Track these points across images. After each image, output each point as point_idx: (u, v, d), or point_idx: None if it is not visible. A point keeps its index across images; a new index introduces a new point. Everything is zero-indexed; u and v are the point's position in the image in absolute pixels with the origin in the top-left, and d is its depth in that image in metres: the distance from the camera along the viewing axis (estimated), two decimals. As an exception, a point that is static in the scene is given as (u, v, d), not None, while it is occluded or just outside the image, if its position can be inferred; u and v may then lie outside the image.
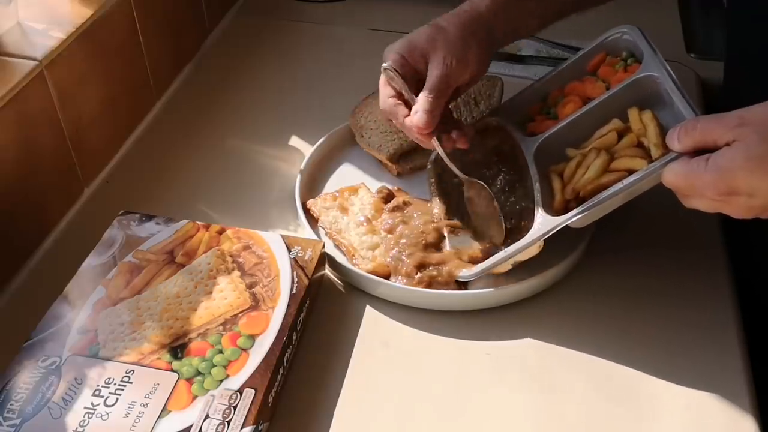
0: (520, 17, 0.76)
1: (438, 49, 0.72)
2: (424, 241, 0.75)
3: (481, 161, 0.80)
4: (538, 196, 0.71)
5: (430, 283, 0.72)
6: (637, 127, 0.68)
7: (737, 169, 0.56)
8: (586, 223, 0.69)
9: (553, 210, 0.70)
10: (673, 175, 0.61)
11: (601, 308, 0.72)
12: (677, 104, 0.66)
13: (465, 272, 0.72)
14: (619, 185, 0.65)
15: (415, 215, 0.78)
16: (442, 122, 0.73)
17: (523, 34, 0.81)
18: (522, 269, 0.72)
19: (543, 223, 0.69)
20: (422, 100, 0.71)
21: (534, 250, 0.69)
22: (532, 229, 0.69)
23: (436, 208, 0.79)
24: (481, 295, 0.71)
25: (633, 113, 0.69)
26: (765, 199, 0.57)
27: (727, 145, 0.57)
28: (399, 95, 0.74)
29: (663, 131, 0.65)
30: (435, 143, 0.73)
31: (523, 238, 0.69)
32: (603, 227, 0.76)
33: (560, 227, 0.68)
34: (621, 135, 0.69)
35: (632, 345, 0.69)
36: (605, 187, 0.66)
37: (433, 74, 0.72)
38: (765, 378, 0.68)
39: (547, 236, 0.68)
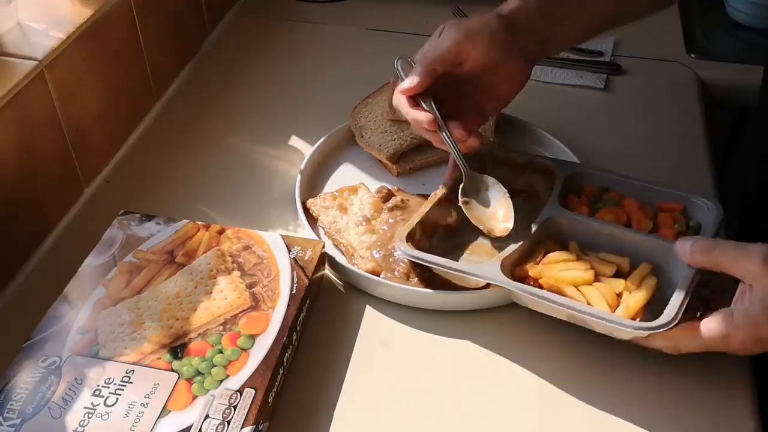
0: (558, 28, 0.75)
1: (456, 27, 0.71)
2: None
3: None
4: (517, 246, 0.70)
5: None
6: (633, 282, 0.66)
7: (762, 324, 0.57)
8: (525, 305, 0.68)
9: (510, 266, 0.68)
10: (708, 334, 0.60)
11: (601, 308, 0.73)
12: (674, 296, 0.63)
13: (404, 249, 0.70)
14: (569, 302, 0.64)
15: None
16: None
17: (560, 46, 0.80)
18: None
19: (493, 270, 0.67)
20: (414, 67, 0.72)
21: (473, 284, 0.70)
22: (486, 263, 0.69)
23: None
24: (482, 295, 0.71)
25: (643, 269, 0.68)
26: None
27: (742, 282, 0.58)
28: None
29: (648, 305, 0.64)
30: (444, 137, 0.72)
31: (477, 265, 0.69)
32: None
33: (497, 285, 0.67)
34: (618, 273, 0.68)
35: (632, 345, 0.69)
36: (561, 293, 0.65)
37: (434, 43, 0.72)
38: (765, 378, 0.68)
39: (484, 284, 0.68)
